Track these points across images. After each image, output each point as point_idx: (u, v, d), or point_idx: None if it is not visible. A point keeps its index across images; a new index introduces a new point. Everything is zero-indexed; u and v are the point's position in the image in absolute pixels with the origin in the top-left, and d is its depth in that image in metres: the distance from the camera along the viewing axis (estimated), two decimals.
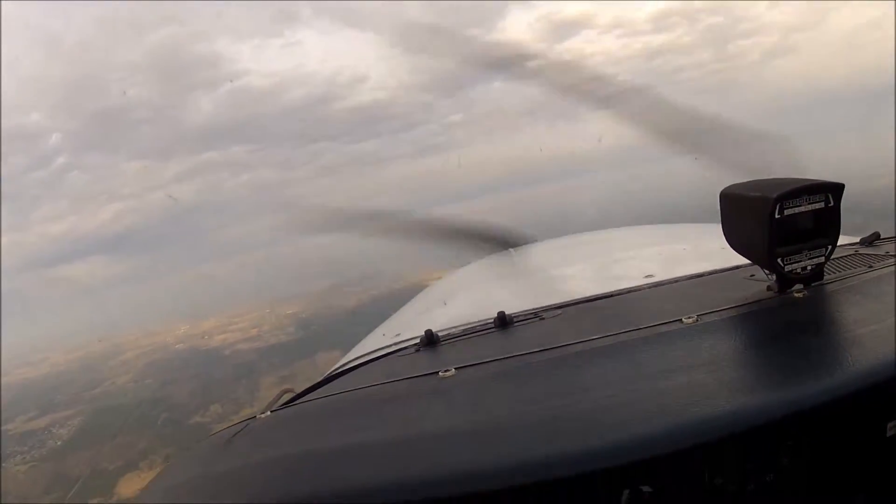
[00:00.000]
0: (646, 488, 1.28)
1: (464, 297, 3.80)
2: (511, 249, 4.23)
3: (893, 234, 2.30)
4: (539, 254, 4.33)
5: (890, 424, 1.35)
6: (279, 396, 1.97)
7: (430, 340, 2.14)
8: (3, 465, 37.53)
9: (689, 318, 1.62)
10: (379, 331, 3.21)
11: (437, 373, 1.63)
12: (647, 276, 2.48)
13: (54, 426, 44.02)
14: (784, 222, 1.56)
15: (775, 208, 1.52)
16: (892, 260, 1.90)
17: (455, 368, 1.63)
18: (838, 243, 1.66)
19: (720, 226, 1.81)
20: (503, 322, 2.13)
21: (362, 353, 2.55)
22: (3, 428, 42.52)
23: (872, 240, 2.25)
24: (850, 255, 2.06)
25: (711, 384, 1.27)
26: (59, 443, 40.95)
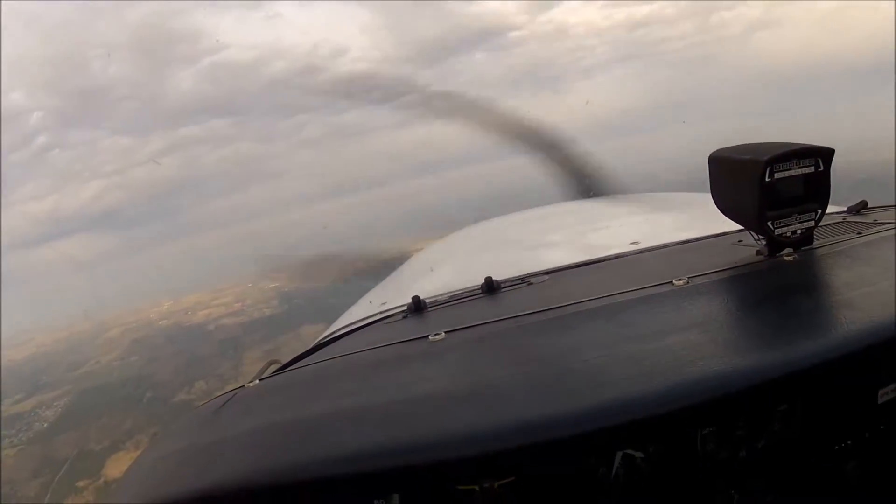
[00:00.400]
0: (638, 454, 1.31)
1: (449, 265, 3.77)
2: (493, 218, 4.62)
3: (881, 205, 2.32)
4: (520, 223, 4.38)
5: (881, 391, 1.37)
6: (265, 367, 1.93)
7: (418, 307, 2.13)
8: None
9: (680, 280, 1.61)
10: (365, 300, 3.20)
11: (427, 336, 1.62)
12: (632, 244, 2.44)
13: (41, 408, 43.83)
14: (774, 186, 1.55)
15: (765, 171, 1.52)
16: (880, 227, 1.90)
17: (445, 332, 1.62)
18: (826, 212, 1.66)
19: (702, 195, 1.81)
20: (490, 288, 2.12)
21: (349, 323, 2.52)
22: None
23: (860, 208, 2.25)
24: (838, 223, 2.06)
25: (706, 344, 1.27)
26: (45, 425, 40.83)
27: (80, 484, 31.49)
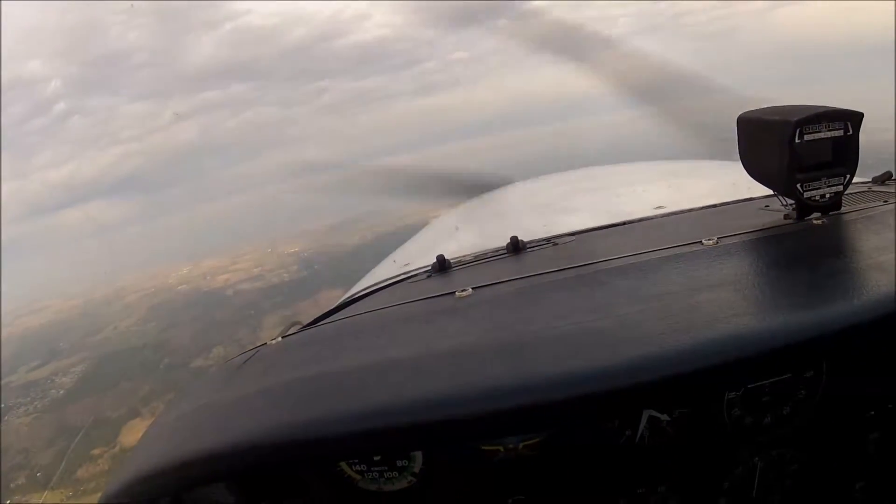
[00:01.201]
0: (664, 416, 1.41)
1: (472, 227, 3.67)
2: (518, 182, 4.76)
3: None
4: (544, 188, 4.39)
5: None
6: (288, 327, 1.81)
7: (443, 266, 2.10)
8: (6, 418, 37.25)
9: (710, 240, 1.59)
10: (388, 261, 3.19)
11: (454, 293, 1.59)
12: (657, 208, 2.45)
13: (57, 375, 43.83)
14: (803, 148, 1.53)
15: (795, 133, 1.50)
16: None
17: (472, 288, 1.59)
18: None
19: (726, 163, 1.97)
20: (516, 247, 2.10)
21: (372, 283, 2.48)
22: (4, 381, 42.08)
23: (885, 179, 2.21)
24: (863, 192, 2.03)
25: (738, 302, 1.24)
26: (61, 392, 40.71)
27: (96, 452, 31.12)
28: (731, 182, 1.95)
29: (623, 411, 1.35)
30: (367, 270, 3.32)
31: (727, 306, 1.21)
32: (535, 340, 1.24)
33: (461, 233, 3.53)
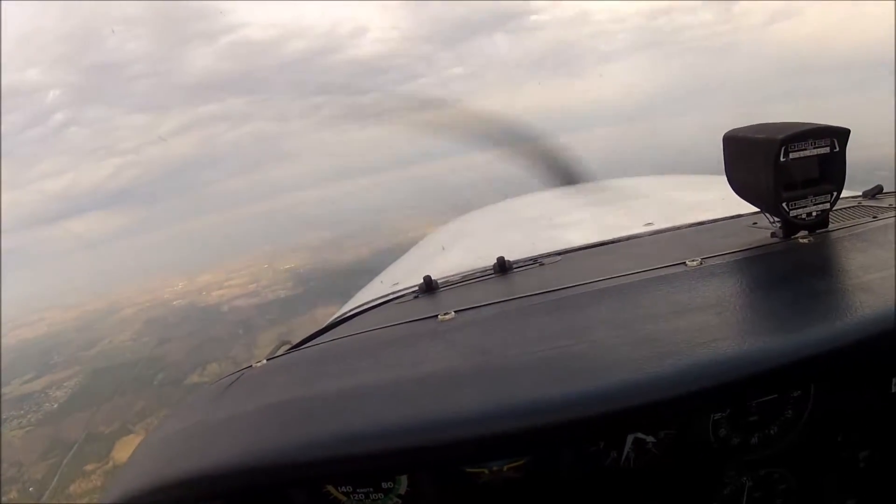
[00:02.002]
0: (649, 438, 1.40)
1: (462, 245, 3.73)
2: (508, 198, 4.73)
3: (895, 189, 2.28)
4: (533, 205, 4.35)
5: (895, 380, 1.42)
6: (276, 348, 1.90)
7: (429, 287, 2.12)
8: None
9: (693, 261, 1.59)
10: (377, 280, 3.21)
11: (437, 316, 1.60)
12: (646, 224, 2.44)
13: (51, 388, 43.60)
14: (789, 166, 1.53)
15: (780, 151, 1.50)
16: None
17: (454, 311, 1.60)
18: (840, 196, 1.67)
19: (718, 176, 1.76)
20: (502, 268, 2.11)
21: (360, 303, 2.52)
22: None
23: (875, 192, 2.20)
24: (853, 207, 2.03)
25: (720, 326, 1.24)
26: (55, 405, 40.52)
27: (89, 468, 31.04)
28: (721, 198, 1.94)
29: (599, 437, 1.36)
30: (363, 287, 3.36)
31: (708, 330, 1.22)
32: (514, 366, 1.25)
33: (451, 251, 3.53)
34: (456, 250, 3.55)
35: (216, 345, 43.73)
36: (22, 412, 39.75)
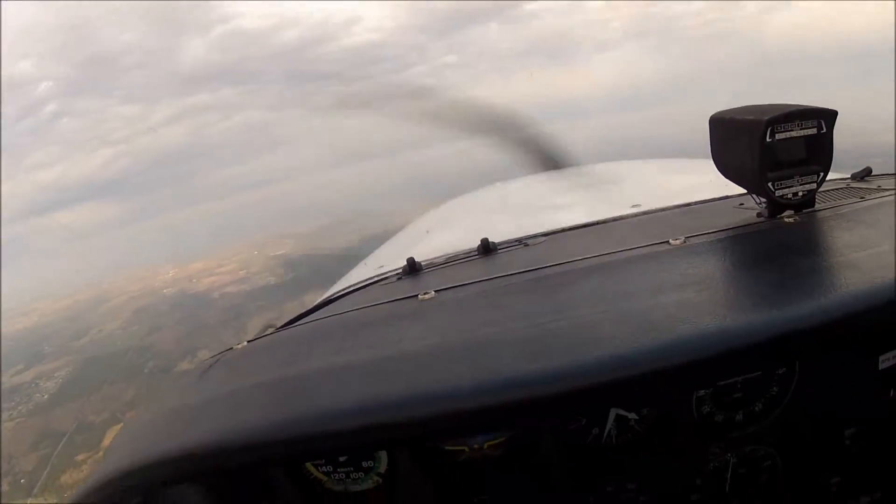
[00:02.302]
0: (632, 416, 1.41)
1: (448, 228, 3.68)
2: (495, 183, 4.77)
3: (886, 172, 2.26)
4: (521, 188, 4.37)
5: (882, 357, 1.42)
6: (262, 332, 1.85)
7: (413, 268, 2.12)
8: None
9: (677, 239, 1.58)
10: (363, 263, 3.22)
11: (417, 295, 1.60)
12: (633, 206, 2.43)
13: (41, 379, 43.55)
14: (775, 147, 1.53)
15: (766, 131, 1.50)
16: (884, 192, 1.84)
17: (435, 291, 1.60)
18: (828, 178, 1.65)
19: (706, 160, 1.77)
20: (487, 249, 2.11)
21: (346, 286, 2.49)
22: None
23: (864, 175, 2.20)
24: (841, 189, 2.02)
25: (702, 302, 1.23)
26: (45, 396, 40.42)
27: (80, 458, 30.87)
28: (709, 180, 1.95)
29: (577, 413, 1.38)
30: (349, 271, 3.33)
31: (690, 306, 1.21)
32: (493, 343, 1.24)
33: (437, 234, 3.51)
34: (442, 233, 3.52)
35: (206, 332, 43.64)
36: (13, 403, 39.59)
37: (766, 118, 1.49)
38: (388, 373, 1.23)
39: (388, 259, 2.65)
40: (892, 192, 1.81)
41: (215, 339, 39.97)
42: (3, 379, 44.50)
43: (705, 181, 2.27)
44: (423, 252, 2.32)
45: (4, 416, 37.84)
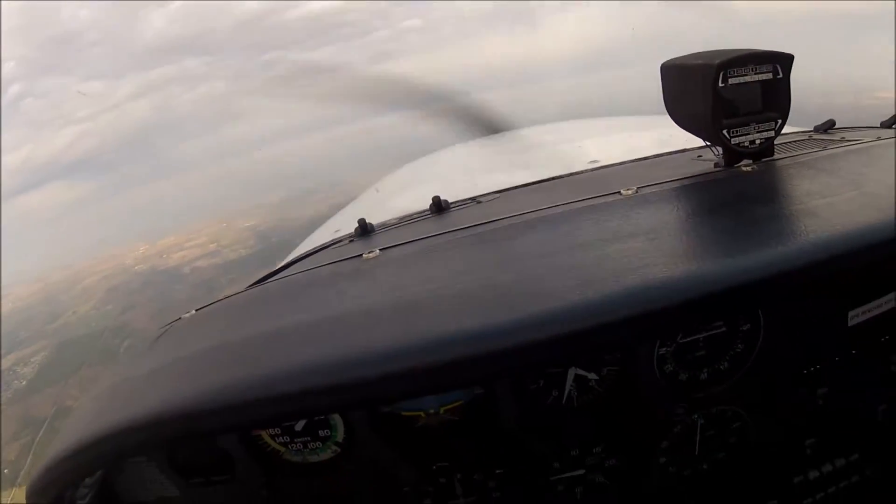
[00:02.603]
0: (591, 375, 1.38)
1: (405, 191, 3.78)
2: (455, 144, 4.62)
3: (850, 125, 2.23)
4: (481, 148, 4.22)
5: (852, 313, 1.39)
6: (218, 300, 1.84)
7: (364, 230, 2.10)
8: None
9: (628, 189, 1.55)
10: (319, 228, 3.29)
11: (362, 255, 1.57)
12: (591, 162, 2.45)
13: (18, 365, 43.03)
14: (729, 93, 1.48)
15: (718, 76, 1.45)
16: (847, 143, 1.80)
17: (380, 250, 1.58)
18: (791, 131, 1.71)
19: (665, 116, 1.70)
20: (439, 207, 2.09)
21: (300, 253, 2.46)
22: None
23: (827, 127, 2.17)
24: (803, 140, 1.99)
25: (651, 252, 1.18)
26: (24, 382, 40.15)
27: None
28: (670, 134, 1.88)
29: (519, 371, 1.30)
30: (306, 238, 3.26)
31: (638, 257, 1.16)
32: (432, 299, 1.20)
33: (393, 197, 3.53)
34: (399, 195, 3.56)
35: (179, 307, 42.10)
36: None
37: (718, 62, 1.45)
38: (323, 335, 1.19)
39: (344, 223, 2.60)
40: (857, 142, 1.78)
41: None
42: None
43: (666, 135, 2.25)
44: (379, 214, 2.30)
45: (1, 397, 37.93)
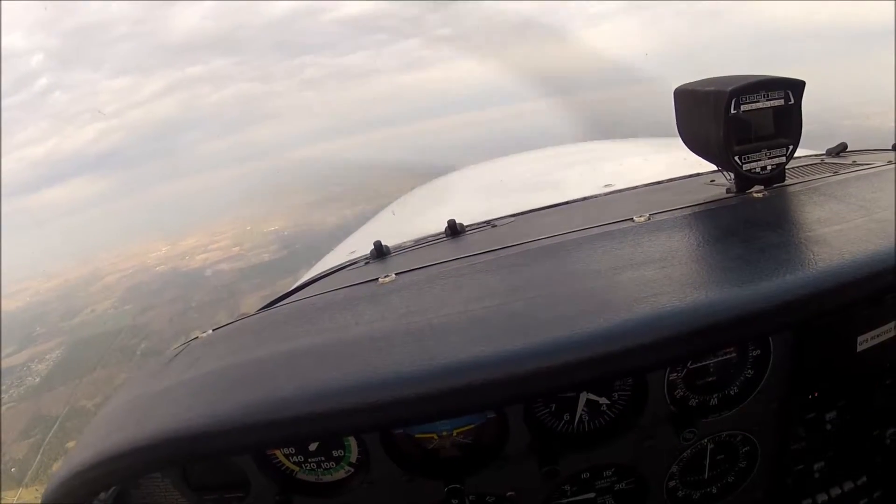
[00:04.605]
0: (603, 400, 1.41)
1: (421, 212, 3.77)
2: (473, 165, 4.85)
3: (863, 148, 2.21)
4: (497, 170, 4.42)
5: (860, 338, 1.38)
6: (235, 321, 1.87)
7: (380, 252, 2.10)
8: None
9: (641, 216, 1.56)
10: (335, 249, 3.28)
11: (378, 279, 1.60)
12: (606, 186, 2.42)
13: (33, 361, 42.62)
14: (742, 119, 1.50)
15: (731, 103, 1.46)
16: (858, 167, 1.80)
17: (395, 274, 1.60)
18: (803, 154, 1.66)
19: (678, 138, 1.73)
20: (454, 231, 2.09)
21: (316, 273, 2.49)
22: None
23: (839, 150, 2.15)
24: (815, 164, 1.99)
25: (661, 280, 1.20)
26: (37, 379, 39.60)
27: (70, 445, 29.84)
28: (683, 157, 1.84)
29: (529, 398, 1.32)
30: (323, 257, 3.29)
31: (649, 285, 1.17)
32: (447, 325, 1.20)
33: (410, 219, 3.57)
34: (414, 217, 3.60)
35: (200, 311, 42.97)
36: (4, 387, 38.66)
37: (730, 88, 1.44)
38: (338, 359, 1.20)
39: (360, 244, 2.63)
40: (868, 166, 1.76)
41: (208, 319, 39.18)
42: None
43: (680, 158, 2.17)
44: (394, 236, 2.28)
45: (2, 397, 37.10)
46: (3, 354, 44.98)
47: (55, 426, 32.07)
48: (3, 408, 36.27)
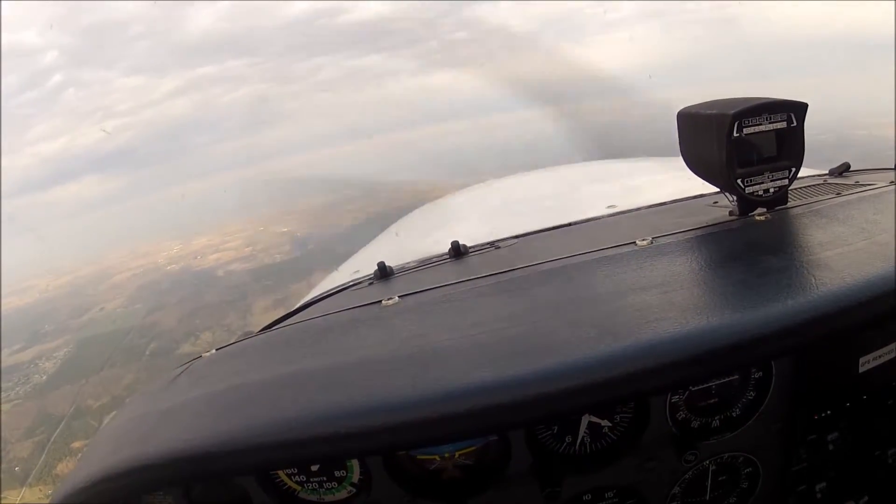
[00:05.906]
0: (605, 422, 1.40)
1: (425, 233, 3.80)
2: (478, 184, 5.07)
3: (866, 168, 2.23)
4: (502, 190, 4.52)
5: (862, 360, 1.38)
6: (241, 338, 1.87)
7: (383, 273, 2.10)
8: None
9: (644, 240, 1.56)
10: (339, 268, 3.27)
11: (381, 301, 1.59)
12: (609, 207, 2.45)
13: (40, 359, 42.13)
14: (744, 142, 1.50)
15: (733, 126, 1.46)
16: (861, 188, 1.81)
17: (399, 296, 1.59)
18: (807, 174, 1.66)
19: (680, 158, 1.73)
20: (457, 252, 2.09)
21: (320, 293, 2.51)
22: None
23: (842, 170, 2.16)
24: (818, 185, 1.99)
25: (663, 305, 1.20)
26: (44, 377, 39.00)
27: (76, 445, 29.39)
28: (686, 178, 1.75)
29: (531, 423, 1.32)
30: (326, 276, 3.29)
31: (651, 310, 1.17)
32: (450, 349, 1.20)
33: (414, 239, 3.56)
34: (418, 238, 3.62)
35: (210, 312, 42.56)
36: (10, 384, 38.14)
37: (732, 112, 1.44)
38: (340, 382, 1.20)
39: (363, 264, 2.59)
40: (871, 187, 1.76)
41: (219, 320, 39.04)
42: (3, 358, 43.29)
43: (684, 178, 2.08)
44: (397, 257, 2.29)
45: (2, 397, 36.58)
46: (10, 351, 44.51)
47: (61, 426, 31.41)
48: (9, 405, 35.69)
